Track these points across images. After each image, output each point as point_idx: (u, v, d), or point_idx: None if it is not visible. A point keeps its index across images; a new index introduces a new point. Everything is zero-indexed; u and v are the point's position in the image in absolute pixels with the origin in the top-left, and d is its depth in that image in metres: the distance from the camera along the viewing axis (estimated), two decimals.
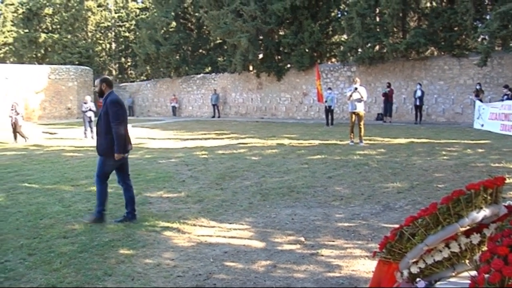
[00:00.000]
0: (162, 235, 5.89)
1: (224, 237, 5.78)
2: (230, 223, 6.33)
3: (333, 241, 5.44)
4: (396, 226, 3.21)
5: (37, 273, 4.67)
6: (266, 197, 7.71)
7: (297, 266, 4.75)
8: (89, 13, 43.88)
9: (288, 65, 30.68)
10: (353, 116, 14.15)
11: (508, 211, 3.21)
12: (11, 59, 42.85)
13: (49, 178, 9.92)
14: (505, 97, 19.23)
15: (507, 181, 8.25)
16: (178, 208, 7.22)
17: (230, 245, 5.46)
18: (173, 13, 35.85)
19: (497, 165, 10.10)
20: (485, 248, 3.07)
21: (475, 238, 3.15)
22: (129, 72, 49.50)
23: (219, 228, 6.15)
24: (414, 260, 3.17)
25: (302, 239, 5.56)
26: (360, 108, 14.06)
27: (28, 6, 42.03)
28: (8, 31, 42.82)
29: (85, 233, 5.94)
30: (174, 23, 36.92)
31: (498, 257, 2.77)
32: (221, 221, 6.46)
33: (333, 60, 31.69)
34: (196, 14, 36.03)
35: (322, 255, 5.04)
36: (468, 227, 3.14)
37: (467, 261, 3.28)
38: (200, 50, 39.01)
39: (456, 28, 24.96)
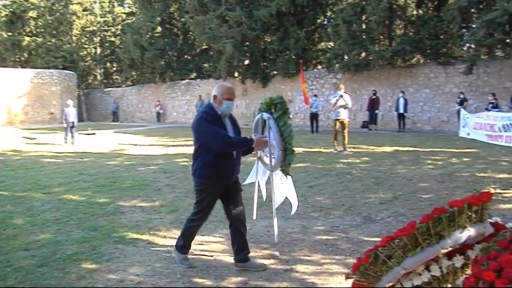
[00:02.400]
0: (130, 248, 5.56)
1: (195, 250, 5.45)
2: (203, 235, 6.00)
3: (310, 256, 5.14)
4: (377, 239, 2.94)
5: None
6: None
7: (269, 284, 4.44)
8: (74, 17, 43.27)
9: (274, 72, 30.51)
10: (337, 123, 13.94)
11: (494, 230, 2.94)
12: None
13: (21, 185, 9.55)
14: (490, 105, 19.16)
15: (492, 191, 8.02)
16: (150, 219, 6.88)
17: (200, 260, 5.14)
18: (158, 18, 35.60)
19: (482, 174, 9.89)
20: (469, 272, 2.80)
21: (458, 261, 2.88)
22: (114, 77, 49.02)
23: None
24: (391, 284, 2.89)
25: (277, 253, 5.25)
26: (344, 116, 13.86)
27: (11, 9, 41.34)
28: None
29: (48, 245, 5.59)
30: (159, 28, 36.66)
31: (484, 283, 2.50)
32: None
33: (319, 67, 31.63)
34: (182, 19, 35.81)
35: (297, 272, 4.74)
36: (450, 248, 2.87)
37: (449, 285, 3.00)
38: (186, 56, 38.80)
39: (442, 36, 25.00)
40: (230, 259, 5.11)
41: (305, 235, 5.93)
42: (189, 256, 5.06)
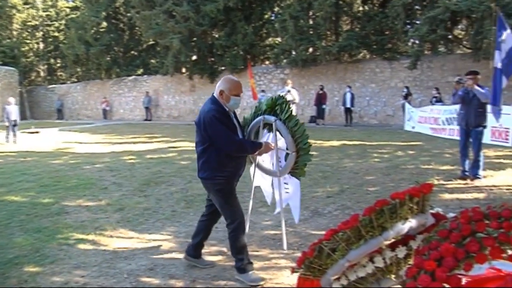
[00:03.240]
0: (75, 249, 5.42)
1: (142, 249, 5.37)
2: (150, 233, 5.92)
3: (258, 251, 5.13)
4: (324, 232, 2.95)
5: None
6: (191, 204, 7.33)
7: (217, 281, 4.40)
8: (14, 11, 41.74)
9: (222, 67, 30.39)
10: None
11: (435, 220, 2.99)
12: None
13: None
14: (434, 99, 19.66)
15: (436, 183, 8.24)
16: (96, 218, 6.73)
17: (147, 258, 5.06)
18: (103, 13, 34.77)
19: (427, 166, 10.13)
20: (412, 262, 2.84)
21: (401, 251, 2.91)
22: (59, 73, 47.66)
23: (138, 239, 5.73)
24: (336, 276, 2.90)
25: (225, 249, 5.21)
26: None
27: None
28: None
29: None
30: (104, 23, 35.84)
31: (425, 272, 2.53)
32: (140, 232, 6.03)
33: (267, 62, 31.68)
34: (128, 14, 35.12)
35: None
36: (393, 240, 2.90)
37: (393, 276, 3.04)
38: (132, 52, 38.12)
39: (387, 32, 25.49)
40: (178, 256, 5.05)
41: (253, 231, 5.92)
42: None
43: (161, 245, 5.48)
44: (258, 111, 5.03)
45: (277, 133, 4.82)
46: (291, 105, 4.83)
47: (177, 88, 32.83)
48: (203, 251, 4.91)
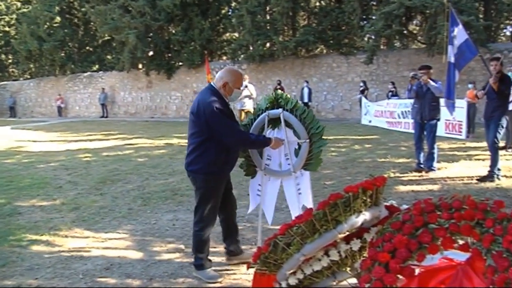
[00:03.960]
0: (28, 250, 5.27)
1: (98, 248, 5.27)
2: (106, 232, 5.81)
3: (216, 247, 5.09)
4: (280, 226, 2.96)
5: None
6: (148, 202, 7.24)
7: (174, 279, 4.35)
8: None
9: (179, 63, 30.19)
10: (242, 113, 13.98)
11: (389, 212, 3.02)
12: None
13: None
14: (390, 93, 19.99)
15: (392, 175, 8.38)
16: (51, 218, 6.57)
17: (104, 258, 4.96)
18: (57, 8, 33.96)
19: (383, 160, 10.29)
20: (366, 254, 2.87)
21: (356, 244, 2.93)
22: (10, 70, 46.34)
23: (94, 239, 5.62)
24: (292, 271, 2.90)
25: (182, 247, 5.16)
26: (249, 106, 13.95)
27: None
28: None
29: None
30: (58, 18, 34.92)
31: (379, 264, 2.56)
32: (96, 231, 5.92)
33: (224, 57, 31.60)
34: (82, 9, 34.38)
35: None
36: (347, 233, 2.92)
37: (348, 269, 3.06)
38: (87, 47, 37.44)
39: (344, 27, 25.78)
40: (135, 255, 4.98)
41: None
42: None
43: (117, 244, 5.39)
44: (259, 111, 4.71)
45: (285, 126, 4.46)
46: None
47: (133, 84, 32.40)
48: (159, 248, 4.84)
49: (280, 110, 4.46)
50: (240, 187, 7.52)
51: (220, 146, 4.15)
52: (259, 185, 4.79)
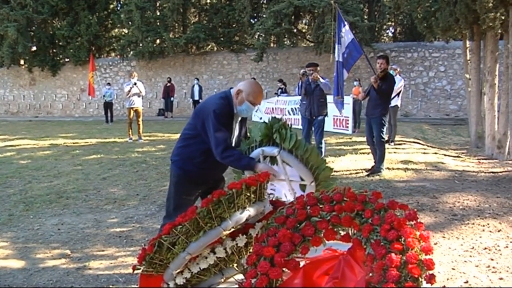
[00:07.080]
0: None
1: None
2: None
3: (104, 251, 4.93)
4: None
5: None
6: (30, 207, 6.83)
7: (60, 285, 4.14)
8: None
9: (65, 59, 29.00)
10: (131, 112, 13.66)
11: (273, 207, 3.07)
12: None
13: None
14: (280, 90, 20.44)
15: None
16: None
17: None
18: None
19: None
20: (252, 250, 2.89)
21: (241, 240, 2.96)
22: None
23: None
24: (179, 270, 2.86)
25: (68, 252, 4.93)
26: (138, 104, 13.64)
27: None
28: None
29: None
30: None
31: (264, 259, 2.59)
32: None
33: (113, 54, 30.80)
34: None
35: (90, 268, 4.50)
36: (233, 229, 2.93)
37: (235, 265, 3.07)
38: None
39: (234, 25, 26.11)
40: (16, 264, 4.67)
41: (98, 229, 5.67)
42: None
43: None
44: (251, 143, 3.89)
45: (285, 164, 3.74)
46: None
47: (15, 81, 30.61)
48: (43, 255, 4.58)
49: (277, 150, 3.67)
50: None
51: (204, 146, 3.80)
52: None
